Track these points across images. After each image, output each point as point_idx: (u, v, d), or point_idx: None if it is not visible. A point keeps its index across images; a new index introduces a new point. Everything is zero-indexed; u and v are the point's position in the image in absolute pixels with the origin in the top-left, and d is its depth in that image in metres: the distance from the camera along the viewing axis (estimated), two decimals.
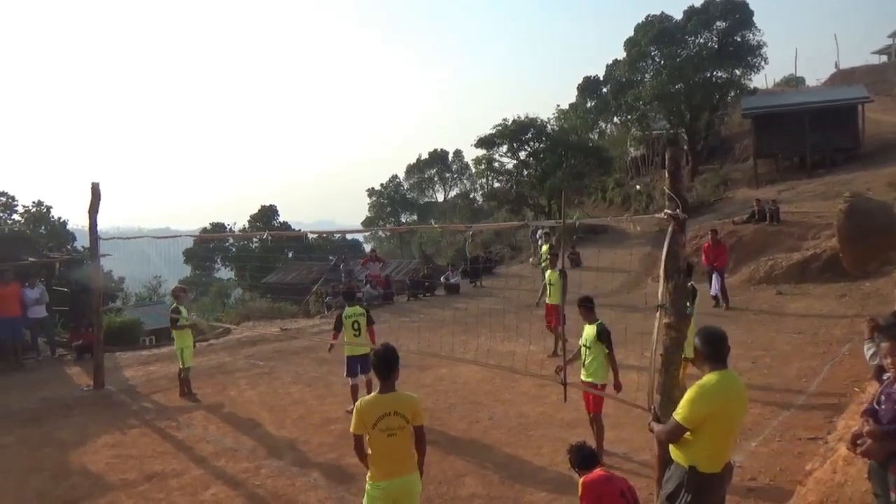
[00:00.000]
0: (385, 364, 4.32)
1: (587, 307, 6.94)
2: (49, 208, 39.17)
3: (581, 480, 4.33)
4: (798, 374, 9.07)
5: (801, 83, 42.43)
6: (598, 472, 4.33)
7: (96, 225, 11.08)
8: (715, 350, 3.84)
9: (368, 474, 4.38)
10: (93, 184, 10.89)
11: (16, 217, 37.25)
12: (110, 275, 31.49)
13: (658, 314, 4.88)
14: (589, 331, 6.85)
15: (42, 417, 9.44)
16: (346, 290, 9.84)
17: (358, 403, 4.39)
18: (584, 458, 4.47)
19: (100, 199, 10.93)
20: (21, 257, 14.46)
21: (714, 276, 14.39)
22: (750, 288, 15.76)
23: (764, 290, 15.33)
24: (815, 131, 24.71)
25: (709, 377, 3.80)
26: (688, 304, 8.88)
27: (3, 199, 37.81)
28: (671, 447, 3.99)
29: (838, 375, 8.83)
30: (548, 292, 11.71)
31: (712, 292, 14.35)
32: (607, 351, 6.72)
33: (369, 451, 4.33)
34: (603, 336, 6.74)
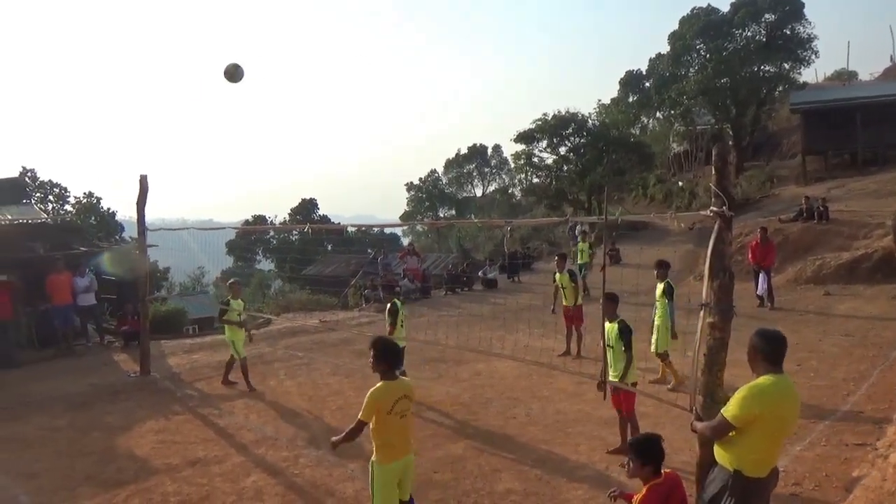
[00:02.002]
0: (395, 353, 4.68)
1: (609, 303, 6.78)
2: (99, 199, 40.50)
3: (634, 499, 3.90)
4: (846, 378, 8.80)
5: (854, 77, 40.99)
6: (650, 489, 3.78)
7: (144, 216, 11.36)
8: (773, 350, 3.74)
9: (376, 458, 4.51)
10: (141, 176, 11.15)
11: (67, 208, 38.63)
12: (156, 265, 32.32)
13: (702, 313, 4.81)
14: (610, 329, 6.72)
15: (91, 402, 9.74)
16: (384, 284, 9.90)
17: (372, 392, 4.53)
18: (645, 455, 3.83)
19: (147, 192, 11.19)
20: (72, 246, 14.95)
21: (761, 275, 14.07)
22: (796, 288, 15.35)
23: (811, 291, 14.91)
24: (868, 127, 23.90)
25: (763, 378, 3.71)
26: (656, 300, 8.98)
27: (57, 191, 39.26)
28: (717, 449, 3.91)
29: (888, 380, 8.53)
30: (562, 295, 11.42)
31: (758, 291, 14.04)
32: (623, 349, 6.63)
33: (376, 435, 4.49)
34: (623, 334, 6.65)
